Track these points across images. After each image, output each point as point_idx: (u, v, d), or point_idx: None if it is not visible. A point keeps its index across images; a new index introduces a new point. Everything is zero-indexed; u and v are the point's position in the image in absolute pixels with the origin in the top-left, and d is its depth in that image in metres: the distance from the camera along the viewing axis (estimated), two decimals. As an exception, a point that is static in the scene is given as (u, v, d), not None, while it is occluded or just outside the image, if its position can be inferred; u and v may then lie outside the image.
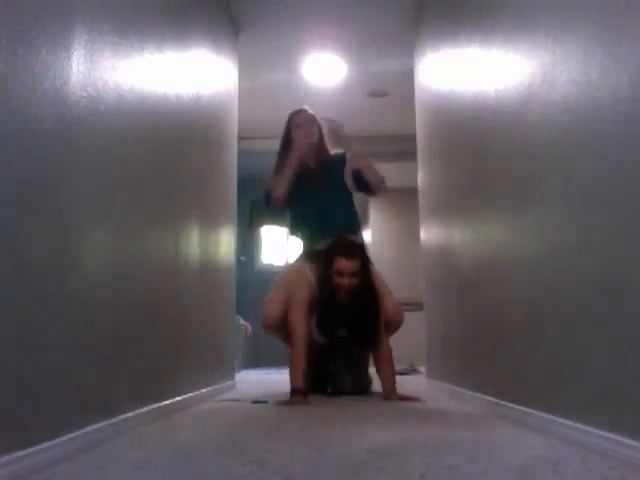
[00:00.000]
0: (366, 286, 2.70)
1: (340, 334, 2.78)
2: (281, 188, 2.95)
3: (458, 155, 2.62)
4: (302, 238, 3.11)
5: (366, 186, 2.99)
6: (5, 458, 1.04)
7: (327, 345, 2.82)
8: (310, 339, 2.69)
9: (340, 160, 3.06)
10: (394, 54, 4.29)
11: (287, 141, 3.06)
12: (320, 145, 3.08)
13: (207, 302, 2.81)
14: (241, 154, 3.91)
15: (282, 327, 2.82)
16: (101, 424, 1.47)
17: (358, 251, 2.73)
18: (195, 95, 2.64)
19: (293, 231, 3.21)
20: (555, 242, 1.49)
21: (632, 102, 1.11)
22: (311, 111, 3.12)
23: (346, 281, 2.64)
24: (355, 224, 3.08)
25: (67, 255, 1.34)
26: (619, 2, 1.17)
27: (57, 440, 1.24)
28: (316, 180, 3.00)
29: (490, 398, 2.03)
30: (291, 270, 2.96)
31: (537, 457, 1.21)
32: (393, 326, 2.84)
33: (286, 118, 3.11)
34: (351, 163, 3.00)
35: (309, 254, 2.95)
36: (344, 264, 2.64)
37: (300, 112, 3.11)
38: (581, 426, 1.32)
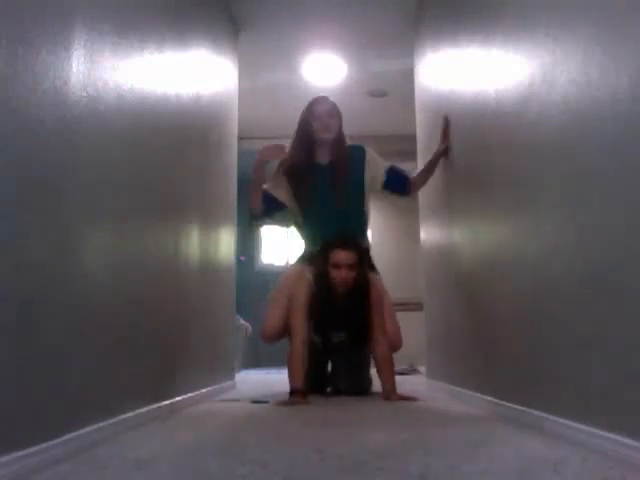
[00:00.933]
0: (363, 284, 2.69)
1: (334, 341, 2.77)
2: (254, 203, 2.87)
3: (458, 155, 2.62)
4: (306, 237, 3.00)
5: (403, 187, 2.94)
6: (5, 458, 1.04)
7: (325, 347, 2.82)
8: (310, 340, 2.69)
9: (358, 156, 2.89)
10: (394, 54, 4.29)
11: (303, 131, 2.86)
12: (338, 140, 2.86)
13: (207, 302, 2.81)
14: (241, 154, 3.90)
15: (283, 335, 2.83)
16: (101, 424, 1.47)
17: (355, 243, 2.71)
18: (195, 95, 2.63)
19: (299, 229, 3.04)
20: (555, 242, 1.49)
21: (632, 102, 1.11)
22: (331, 100, 2.92)
23: (343, 274, 2.63)
24: (363, 227, 2.99)
25: (67, 255, 1.34)
26: (619, 2, 1.17)
27: (57, 440, 1.24)
28: (329, 178, 2.82)
29: (490, 398, 2.03)
30: (292, 272, 2.94)
31: (537, 457, 1.21)
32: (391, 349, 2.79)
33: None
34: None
35: (308, 256, 2.92)
36: (341, 255, 2.63)
37: (321, 101, 2.91)
38: (581, 426, 1.31)
